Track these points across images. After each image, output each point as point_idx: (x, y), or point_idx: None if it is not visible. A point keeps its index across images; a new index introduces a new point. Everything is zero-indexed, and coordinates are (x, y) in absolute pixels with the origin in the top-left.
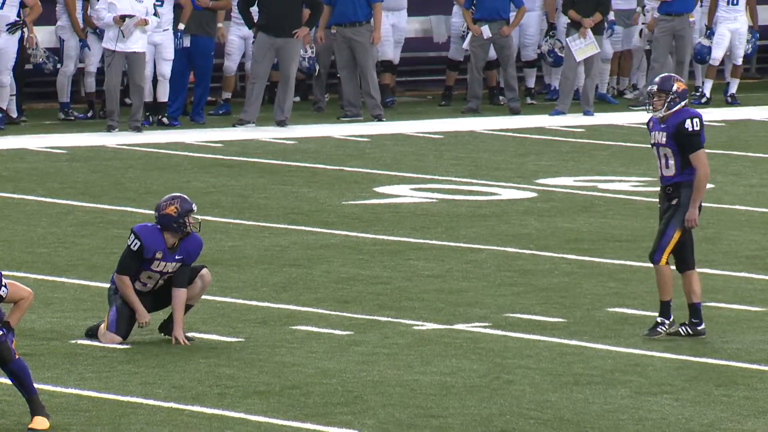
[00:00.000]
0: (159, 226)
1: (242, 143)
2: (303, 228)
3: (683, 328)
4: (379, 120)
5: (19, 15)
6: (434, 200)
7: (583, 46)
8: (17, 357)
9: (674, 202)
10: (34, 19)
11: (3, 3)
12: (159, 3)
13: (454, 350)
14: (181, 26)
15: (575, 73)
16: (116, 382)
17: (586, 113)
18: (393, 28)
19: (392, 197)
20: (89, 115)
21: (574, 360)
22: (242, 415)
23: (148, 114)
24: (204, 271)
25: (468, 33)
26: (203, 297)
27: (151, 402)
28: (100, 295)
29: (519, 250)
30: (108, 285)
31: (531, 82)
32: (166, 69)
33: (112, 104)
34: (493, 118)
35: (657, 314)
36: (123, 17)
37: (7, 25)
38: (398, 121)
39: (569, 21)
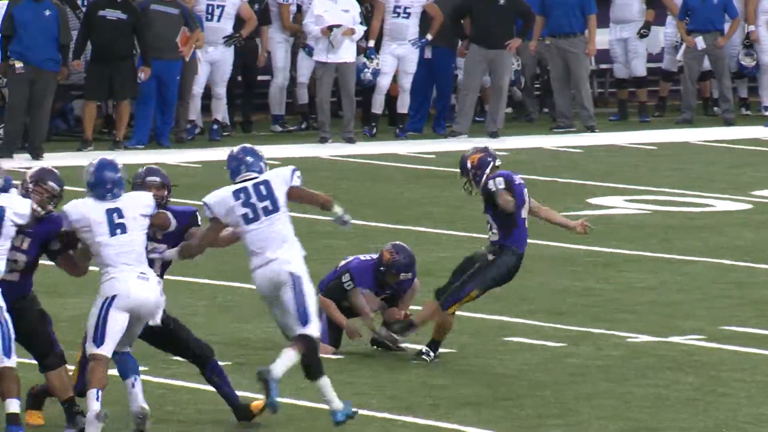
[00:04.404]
0: None
1: (454, 155)
2: None
3: None
4: (592, 131)
5: (234, 28)
6: (648, 212)
7: None
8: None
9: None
10: (249, 32)
11: (219, 15)
12: (405, 15)
13: (669, 363)
14: (429, 37)
15: None
16: None
17: None
18: (626, 43)
19: (605, 208)
20: (303, 126)
21: None
22: (455, 426)
23: (372, 126)
24: (415, 281)
25: (682, 44)
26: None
27: (365, 412)
28: None
29: (734, 262)
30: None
31: (744, 92)
32: (406, 81)
33: (323, 116)
34: (707, 129)
35: None
36: (330, 28)
37: (223, 37)
38: (611, 132)
39: None
